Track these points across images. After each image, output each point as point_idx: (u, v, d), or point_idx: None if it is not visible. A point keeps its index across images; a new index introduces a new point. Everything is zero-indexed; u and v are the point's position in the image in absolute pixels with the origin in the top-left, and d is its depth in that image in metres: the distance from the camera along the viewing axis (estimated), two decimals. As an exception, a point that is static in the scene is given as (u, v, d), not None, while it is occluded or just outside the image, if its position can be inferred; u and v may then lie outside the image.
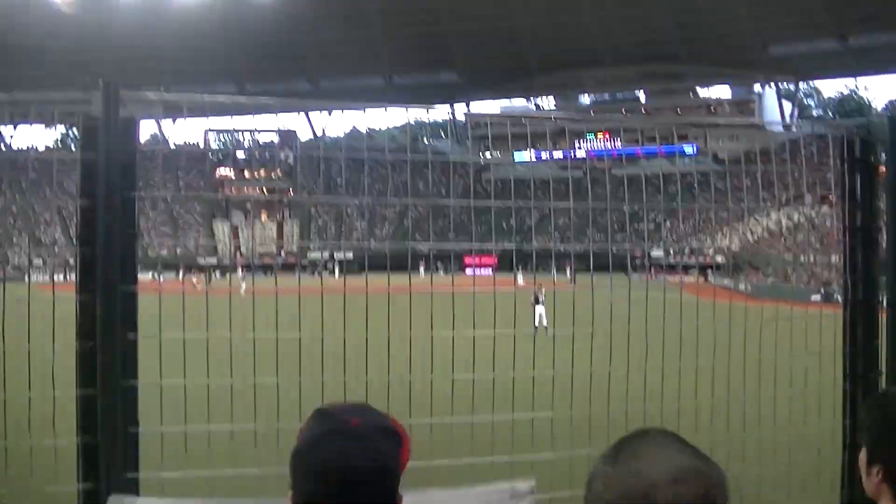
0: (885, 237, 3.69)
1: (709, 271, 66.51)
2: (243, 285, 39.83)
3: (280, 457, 2.22)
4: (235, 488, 3.81)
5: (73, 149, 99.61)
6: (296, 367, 5.16)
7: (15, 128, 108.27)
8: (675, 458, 1.45)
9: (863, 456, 2.45)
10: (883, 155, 3.79)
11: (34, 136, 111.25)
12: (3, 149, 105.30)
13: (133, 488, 3.19)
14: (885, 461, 2.37)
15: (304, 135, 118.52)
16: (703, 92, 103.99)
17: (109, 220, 3.18)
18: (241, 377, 4.88)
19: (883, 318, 3.74)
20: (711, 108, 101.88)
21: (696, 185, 77.31)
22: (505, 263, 66.56)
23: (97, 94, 3.32)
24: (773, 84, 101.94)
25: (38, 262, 75.81)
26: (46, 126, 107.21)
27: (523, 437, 4.99)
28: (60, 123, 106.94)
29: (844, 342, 3.79)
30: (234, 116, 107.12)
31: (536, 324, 26.65)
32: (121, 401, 3.18)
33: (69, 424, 3.27)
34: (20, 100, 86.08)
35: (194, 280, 40.15)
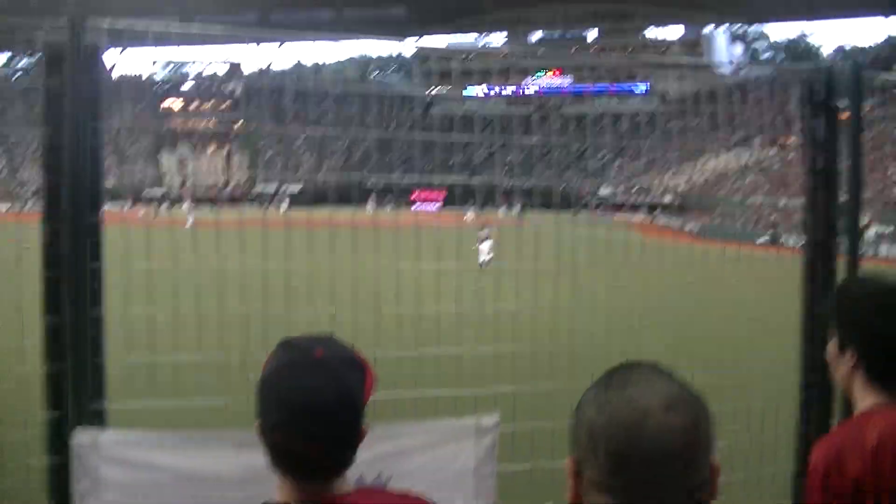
0: (845, 180, 3.81)
1: (656, 211, 67.39)
2: (190, 218, 39.59)
3: (247, 387, 2.24)
4: (202, 420, 3.81)
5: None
6: (256, 300, 5.15)
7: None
8: (666, 386, 1.51)
9: (832, 347, 2.50)
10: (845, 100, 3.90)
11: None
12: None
13: (99, 419, 3.20)
14: (856, 345, 2.42)
15: (252, 67, 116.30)
16: (652, 32, 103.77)
17: (76, 149, 3.14)
18: (205, 308, 4.86)
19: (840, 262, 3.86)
20: (661, 48, 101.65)
21: (644, 124, 77.99)
22: (452, 199, 66.70)
23: (49, 19, 3.25)
24: (722, 25, 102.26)
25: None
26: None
27: (482, 370, 5.03)
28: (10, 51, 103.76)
29: (805, 281, 3.88)
30: (180, 46, 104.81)
31: (481, 259, 26.37)
32: (87, 330, 3.16)
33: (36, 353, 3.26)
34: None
35: (140, 213, 39.78)
